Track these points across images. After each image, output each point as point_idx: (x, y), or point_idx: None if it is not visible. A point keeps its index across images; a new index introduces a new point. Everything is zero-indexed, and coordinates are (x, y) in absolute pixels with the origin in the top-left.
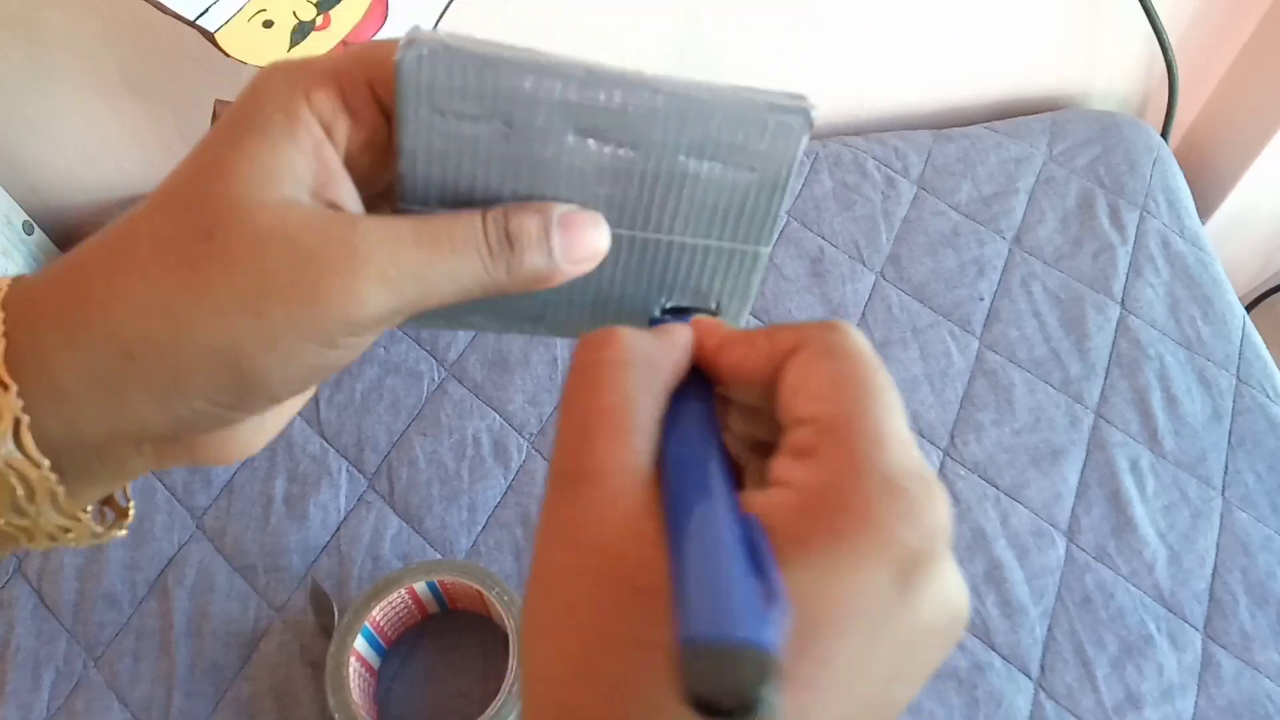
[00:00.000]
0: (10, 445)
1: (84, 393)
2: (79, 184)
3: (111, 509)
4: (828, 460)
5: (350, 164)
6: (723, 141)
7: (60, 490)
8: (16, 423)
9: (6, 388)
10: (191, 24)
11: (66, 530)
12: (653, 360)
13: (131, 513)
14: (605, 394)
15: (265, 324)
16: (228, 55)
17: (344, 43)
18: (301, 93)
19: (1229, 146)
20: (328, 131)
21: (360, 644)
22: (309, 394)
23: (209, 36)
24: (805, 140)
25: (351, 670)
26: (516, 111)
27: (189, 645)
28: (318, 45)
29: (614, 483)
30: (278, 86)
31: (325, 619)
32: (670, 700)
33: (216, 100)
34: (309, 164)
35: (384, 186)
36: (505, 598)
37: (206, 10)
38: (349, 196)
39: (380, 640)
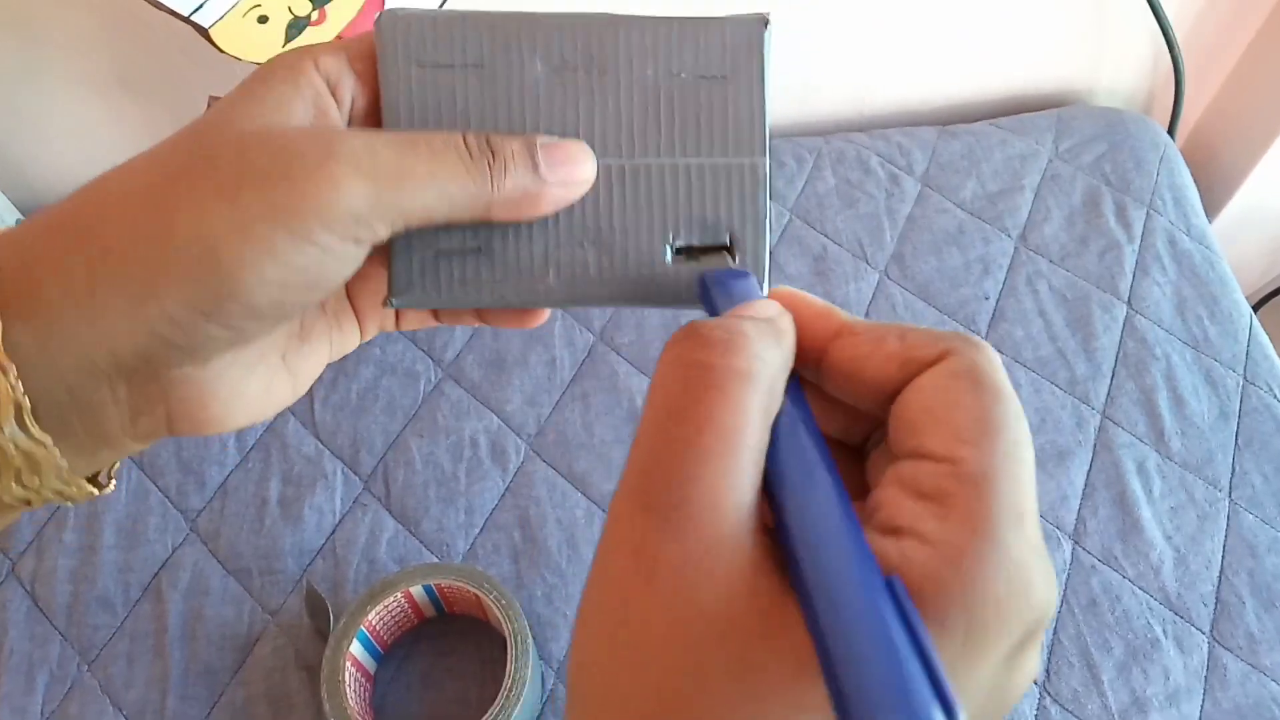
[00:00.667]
0: (14, 426)
1: (59, 295)
2: (73, 181)
3: (93, 485)
4: (967, 519)
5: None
6: (686, 51)
7: (26, 403)
8: (18, 406)
9: (5, 371)
10: (186, 19)
11: (33, 465)
12: (777, 377)
13: (112, 484)
14: (724, 410)
15: (241, 211)
16: (222, 51)
17: (340, 38)
18: (309, 56)
19: (1236, 144)
20: (333, 89)
21: (356, 648)
22: (300, 381)
23: (203, 32)
24: (767, 39)
25: (347, 675)
26: (485, 51)
27: (183, 649)
28: (313, 40)
29: (722, 522)
30: (287, 54)
31: (320, 623)
32: None
33: (211, 96)
34: (306, 109)
35: None
36: (503, 602)
37: (201, 6)
38: None
39: (376, 644)
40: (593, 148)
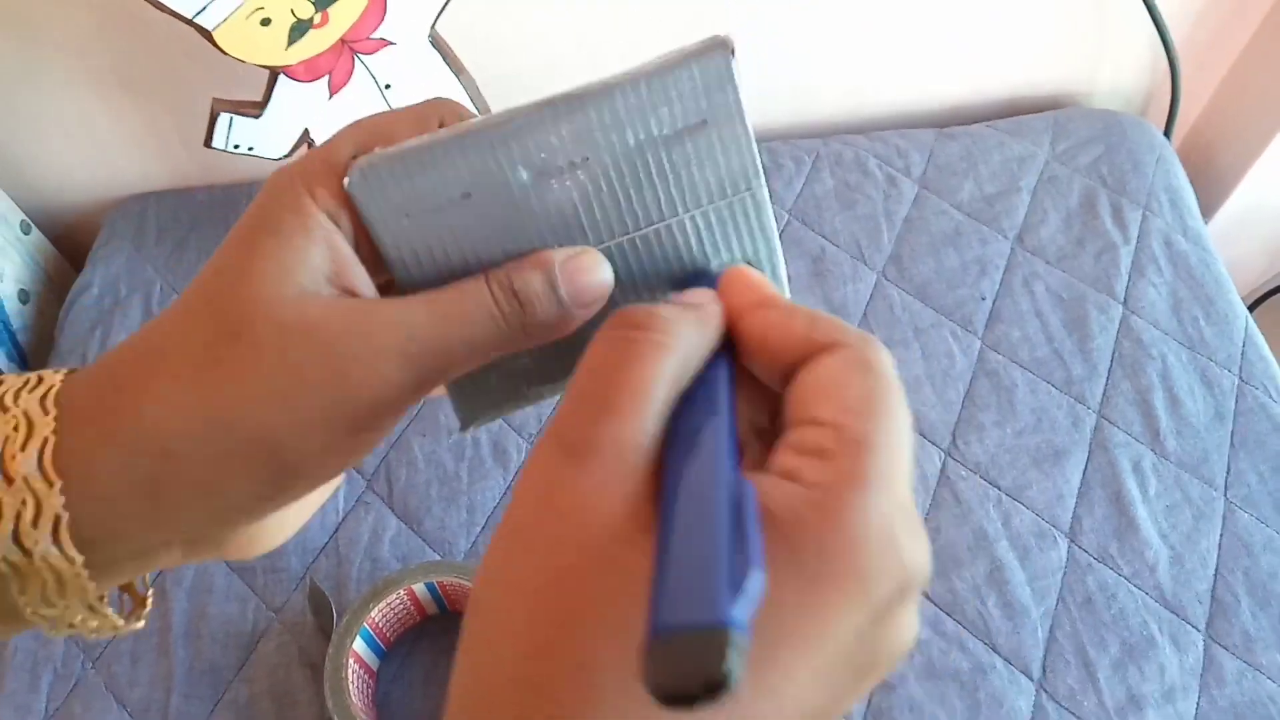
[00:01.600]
0: (48, 542)
1: (124, 494)
2: (76, 183)
3: (129, 594)
4: (841, 469)
5: (359, 248)
6: (661, 109)
7: (91, 587)
8: (56, 519)
9: (52, 484)
10: (189, 22)
11: (88, 622)
12: (690, 349)
13: (150, 601)
14: (635, 370)
15: (299, 415)
16: (225, 53)
17: (342, 41)
18: (306, 191)
19: (1232, 146)
20: (335, 220)
21: (359, 645)
22: (333, 488)
23: (206, 34)
24: (735, 69)
25: (350, 672)
26: (467, 179)
27: (187, 647)
28: (316, 43)
29: (620, 461)
30: (284, 188)
31: (324, 620)
32: (637, 688)
33: (214, 99)
34: (323, 255)
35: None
36: None
37: (204, 8)
38: (363, 282)
39: (379, 642)
40: (600, 234)
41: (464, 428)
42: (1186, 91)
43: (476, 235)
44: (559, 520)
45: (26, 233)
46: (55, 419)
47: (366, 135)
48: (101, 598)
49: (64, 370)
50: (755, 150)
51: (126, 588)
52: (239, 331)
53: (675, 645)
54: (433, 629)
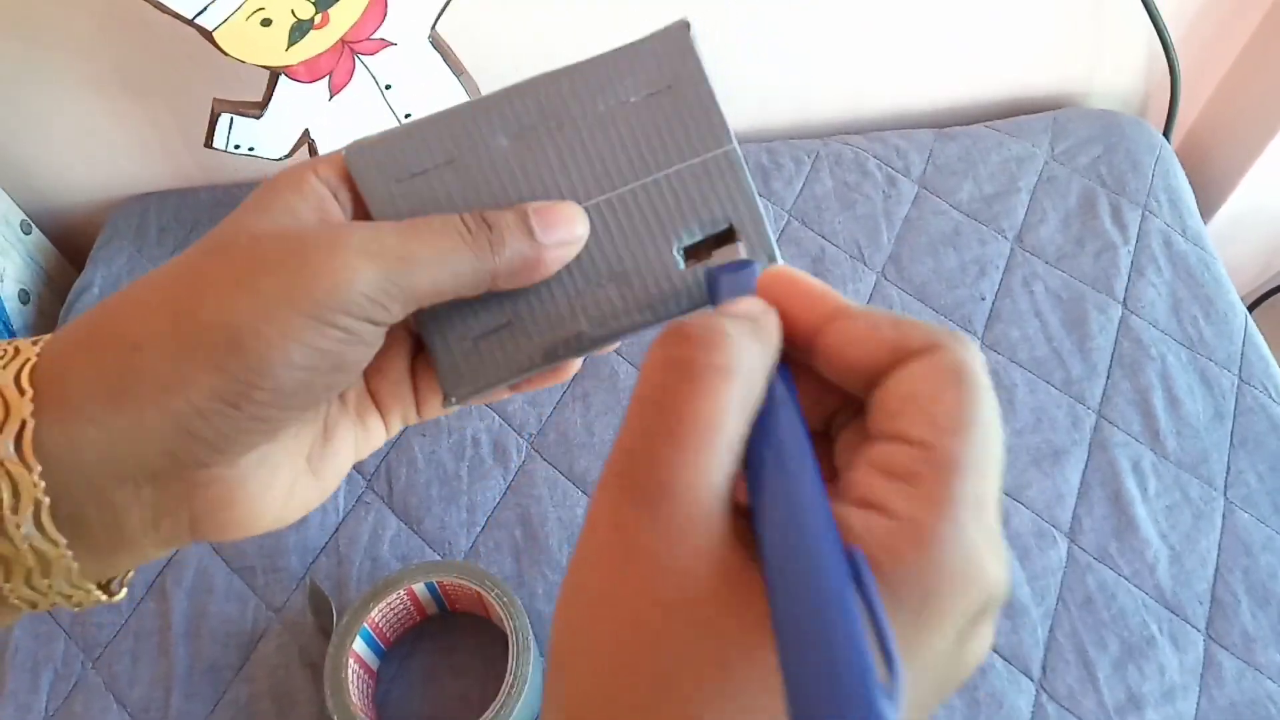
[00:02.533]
0: (30, 526)
1: (89, 394)
2: (77, 183)
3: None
4: (932, 498)
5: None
6: (626, 78)
7: (75, 566)
8: (38, 504)
9: (31, 470)
10: (190, 22)
11: (44, 565)
12: (756, 371)
13: (124, 591)
14: (703, 403)
15: (261, 298)
16: (226, 54)
17: (343, 42)
18: (309, 168)
19: (1231, 146)
20: (333, 193)
21: (359, 645)
22: (326, 484)
23: (207, 35)
24: (694, 40)
25: (350, 672)
26: (450, 146)
27: (187, 646)
28: (316, 43)
29: (697, 505)
30: (289, 170)
31: (324, 620)
32: None
33: (215, 99)
34: (312, 211)
35: None
36: (504, 599)
37: (205, 9)
38: None
39: (379, 642)
40: (577, 195)
41: (448, 394)
42: (1186, 92)
43: (459, 194)
44: (643, 578)
45: (27, 233)
46: (33, 399)
47: None
48: (108, 586)
49: (42, 338)
50: (722, 114)
51: (103, 588)
52: (217, 245)
53: None
54: (433, 629)
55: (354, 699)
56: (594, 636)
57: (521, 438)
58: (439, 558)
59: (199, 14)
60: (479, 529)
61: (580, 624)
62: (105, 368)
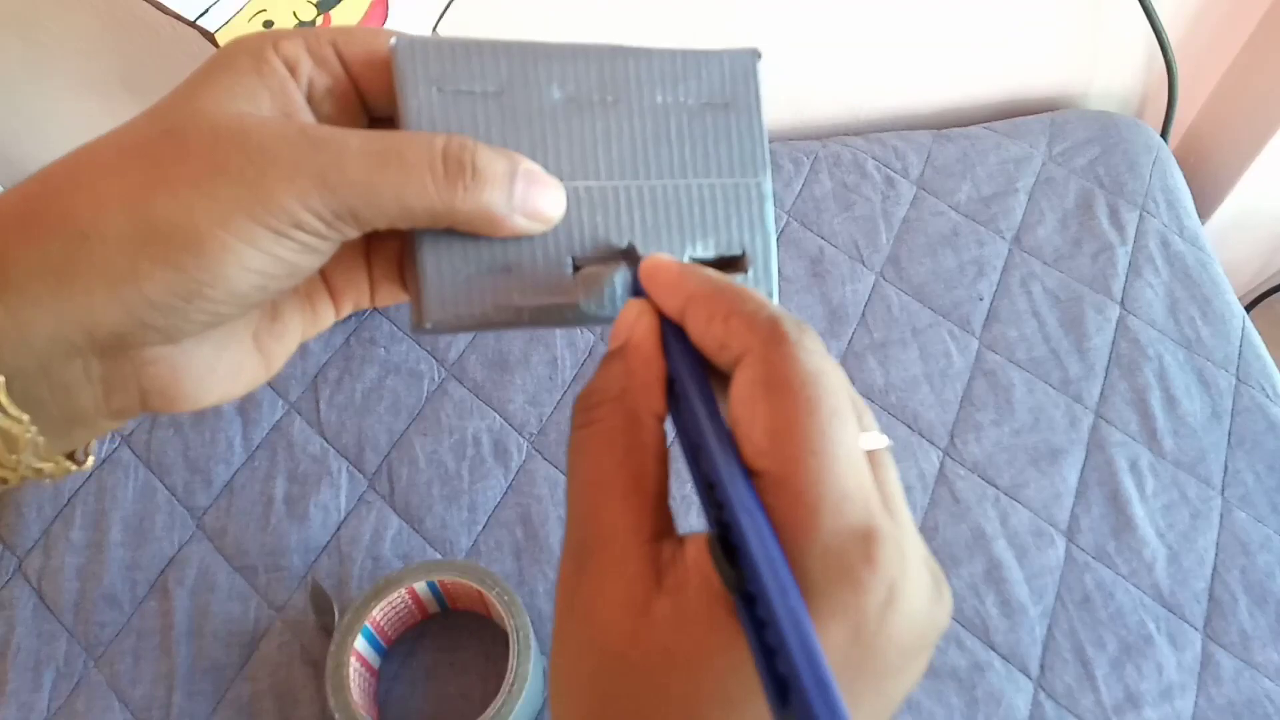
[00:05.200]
0: None
1: (35, 280)
2: None
3: (72, 460)
4: (779, 523)
5: (316, 109)
6: (690, 80)
7: (41, 441)
8: None
9: None
10: (191, 24)
11: (9, 441)
12: (634, 411)
13: (89, 462)
14: (593, 467)
15: (217, 202)
16: None
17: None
18: (269, 41)
19: (1228, 147)
20: (293, 72)
21: (360, 644)
22: (272, 363)
23: (209, 37)
24: (760, 69)
25: (352, 670)
26: (504, 78)
27: (189, 645)
28: None
29: (615, 552)
30: (247, 38)
31: (325, 619)
32: None
33: None
34: (273, 97)
35: None
36: (505, 598)
37: (207, 10)
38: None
39: (380, 640)
40: (610, 170)
41: (423, 321)
42: (1183, 93)
43: (495, 128)
44: (580, 626)
45: None
46: None
47: (349, 29)
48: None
49: None
50: (766, 148)
51: (69, 457)
52: (171, 130)
53: None
54: (434, 628)
55: (356, 697)
56: (558, 680)
57: (522, 437)
58: (440, 557)
59: (201, 15)
60: (480, 528)
61: (552, 671)
62: (50, 252)
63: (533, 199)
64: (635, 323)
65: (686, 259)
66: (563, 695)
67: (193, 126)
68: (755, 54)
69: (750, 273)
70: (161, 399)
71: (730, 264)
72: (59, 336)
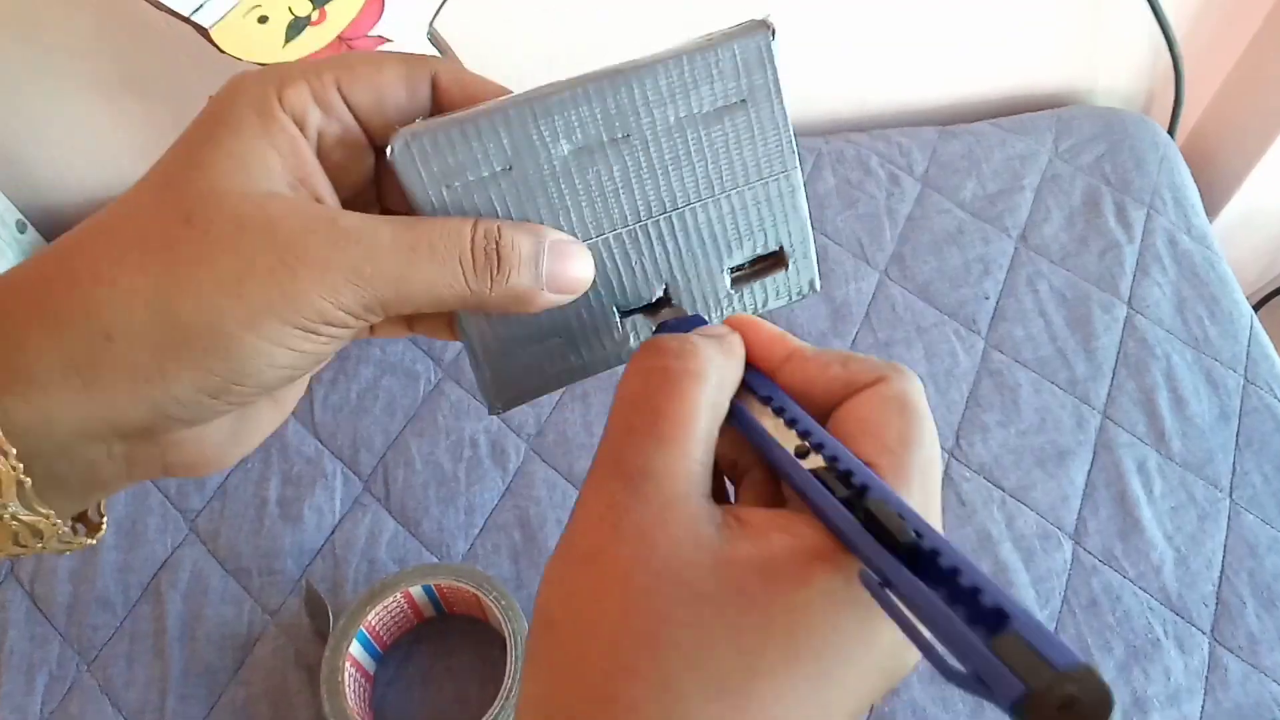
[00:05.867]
0: (16, 505)
1: (59, 378)
2: (73, 182)
3: (84, 524)
4: None
5: (325, 160)
6: (702, 86)
7: (27, 481)
8: (19, 484)
9: (6, 455)
10: (186, 20)
11: (35, 533)
12: (723, 379)
13: (104, 526)
14: (680, 401)
15: (246, 306)
16: (223, 51)
17: (340, 38)
18: (274, 90)
19: (1236, 144)
20: (301, 126)
21: (356, 649)
22: (286, 410)
23: (204, 32)
24: (775, 48)
25: (347, 675)
26: (509, 151)
27: (182, 649)
28: (313, 40)
29: (675, 488)
30: (250, 86)
31: (320, 623)
32: (717, 707)
33: (211, 97)
34: (285, 160)
35: (357, 187)
36: (503, 602)
37: (201, 6)
38: (326, 191)
39: (376, 645)
40: (634, 212)
41: (497, 405)
42: (1190, 89)
43: (513, 208)
44: (633, 544)
45: (22, 231)
46: None
47: (350, 63)
48: (71, 526)
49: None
50: (791, 133)
51: (81, 518)
52: (191, 216)
53: (1057, 691)
54: (430, 632)
55: (350, 703)
56: (586, 597)
57: (520, 439)
58: (436, 560)
59: (196, 10)
60: (477, 531)
61: (573, 586)
62: (74, 353)
63: (561, 273)
64: (730, 333)
65: (724, 272)
66: (587, 610)
67: (215, 215)
68: (768, 32)
69: (791, 265)
70: (185, 469)
71: (769, 260)
72: (83, 429)
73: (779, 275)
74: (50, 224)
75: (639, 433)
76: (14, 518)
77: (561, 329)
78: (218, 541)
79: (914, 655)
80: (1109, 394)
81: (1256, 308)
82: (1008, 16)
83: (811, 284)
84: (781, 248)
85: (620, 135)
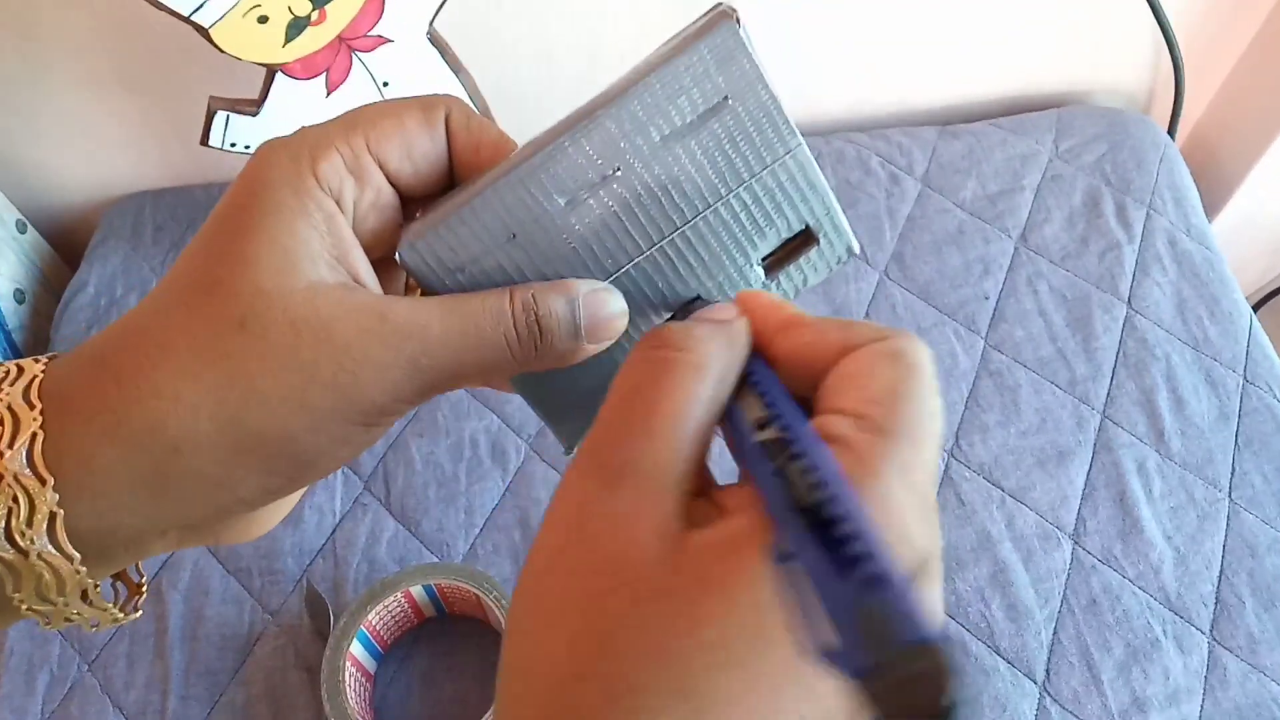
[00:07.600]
0: (44, 540)
1: (127, 491)
2: (73, 182)
3: (123, 582)
4: (859, 460)
5: (359, 227)
6: (680, 99)
7: (91, 584)
8: (52, 517)
9: (44, 482)
10: (186, 19)
11: (84, 614)
12: (725, 369)
13: (145, 589)
14: (673, 393)
15: (311, 414)
16: (222, 51)
17: (340, 38)
18: (308, 166)
19: (1236, 144)
20: (336, 199)
21: (356, 649)
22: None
23: (204, 32)
24: (745, 36)
25: (347, 675)
26: (509, 224)
27: (183, 649)
28: (313, 40)
29: (653, 483)
30: (282, 162)
31: (321, 623)
32: (680, 709)
33: (211, 97)
34: (324, 240)
35: (388, 246)
36: (503, 602)
37: (201, 6)
38: (363, 267)
39: (376, 645)
40: (647, 237)
41: (569, 450)
42: (1190, 89)
43: (526, 267)
44: (594, 544)
45: (22, 231)
46: (41, 413)
47: (373, 120)
48: (96, 588)
49: (44, 358)
50: (784, 112)
51: (120, 575)
52: (244, 322)
53: (897, 667)
54: (430, 632)
55: (351, 702)
56: (551, 602)
57: (520, 439)
58: (437, 560)
59: (195, 10)
60: (477, 531)
61: (538, 591)
62: (140, 466)
63: (598, 325)
64: (734, 316)
65: (755, 265)
66: (553, 619)
67: (269, 319)
68: (732, 21)
69: (822, 239)
70: (234, 539)
71: (798, 240)
72: (147, 531)
73: (812, 252)
74: (49, 224)
75: (629, 426)
76: (40, 555)
77: (607, 361)
78: None
79: None
80: (1109, 394)
81: (1256, 308)
82: (1008, 16)
83: (849, 249)
84: (808, 225)
85: (610, 171)
